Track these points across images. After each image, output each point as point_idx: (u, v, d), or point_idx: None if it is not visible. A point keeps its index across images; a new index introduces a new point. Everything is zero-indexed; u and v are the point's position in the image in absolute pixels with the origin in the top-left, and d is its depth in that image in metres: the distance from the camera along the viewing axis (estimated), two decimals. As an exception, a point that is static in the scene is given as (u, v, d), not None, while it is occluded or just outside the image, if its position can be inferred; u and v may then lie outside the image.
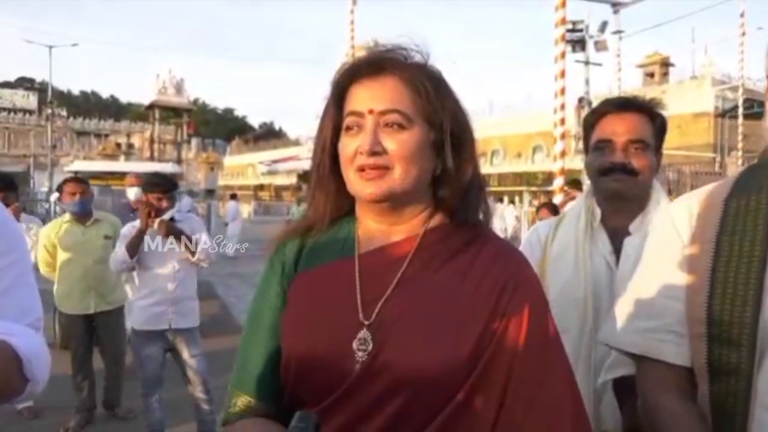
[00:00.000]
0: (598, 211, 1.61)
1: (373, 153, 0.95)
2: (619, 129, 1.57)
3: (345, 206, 1.06)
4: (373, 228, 1.03)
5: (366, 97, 0.98)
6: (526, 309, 0.95)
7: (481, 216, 1.05)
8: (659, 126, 1.62)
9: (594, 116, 1.65)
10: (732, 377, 0.99)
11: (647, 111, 1.61)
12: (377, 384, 0.91)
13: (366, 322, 0.95)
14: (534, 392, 0.92)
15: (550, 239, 1.66)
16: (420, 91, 0.98)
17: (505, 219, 10.77)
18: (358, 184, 0.97)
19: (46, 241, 4.48)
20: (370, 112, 0.96)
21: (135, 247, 3.74)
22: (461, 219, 1.02)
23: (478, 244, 1.01)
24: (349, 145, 0.98)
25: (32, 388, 1.05)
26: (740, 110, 22.25)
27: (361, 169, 0.96)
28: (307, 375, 0.95)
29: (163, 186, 3.96)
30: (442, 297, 0.95)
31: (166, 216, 3.86)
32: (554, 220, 1.77)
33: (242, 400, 0.99)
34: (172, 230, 3.78)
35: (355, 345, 0.94)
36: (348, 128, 0.99)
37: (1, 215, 1.14)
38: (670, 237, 1.13)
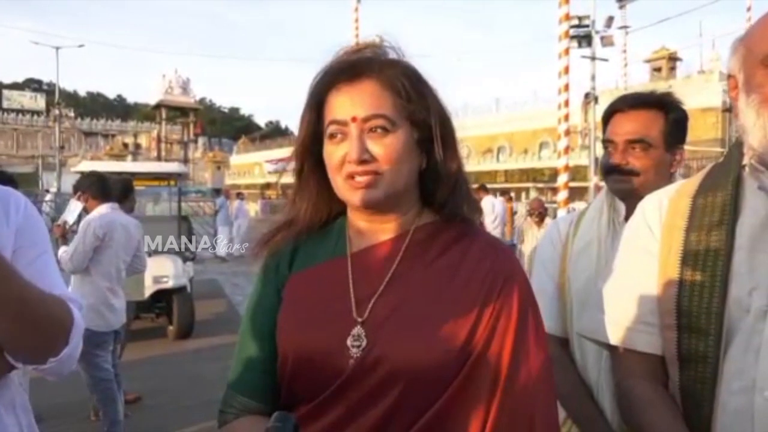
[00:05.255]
0: (621, 207, 1.59)
1: (361, 161, 0.95)
2: (620, 129, 1.56)
3: (327, 209, 1.08)
4: (363, 228, 1.04)
5: (347, 104, 0.97)
6: (515, 302, 0.97)
7: (467, 211, 1.06)
8: (673, 121, 1.56)
9: (606, 114, 1.64)
10: (700, 364, 1.04)
11: (658, 106, 1.56)
12: (371, 379, 0.93)
13: (359, 319, 0.97)
14: (525, 382, 0.94)
15: (571, 235, 1.65)
16: (400, 92, 0.98)
17: (495, 208, 10.69)
18: (347, 191, 0.98)
19: None
20: (353, 119, 0.96)
21: None
22: (449, 215, 1.04)
23: (467, 239, 1.03)
24: (334, 153, 0.98)
25: (70, 352, 1.11)
26: (748, 104, 22.02)
27: (351, 177, 0.97)
28: (302, 372, 0.97)
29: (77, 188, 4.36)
30: (433, 292, 0.97)
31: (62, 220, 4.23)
32: (574, 215, 1.75)
33: (239, 401, 1.01)
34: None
35: (349, 341, 0.95)
36: (331, 136, 0.99)
37: (28, 210, 1.20)
38: (641, 232, 1.17)
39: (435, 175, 1.02)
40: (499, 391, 0.93)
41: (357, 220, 1.05)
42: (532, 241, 7.77)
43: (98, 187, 4.24)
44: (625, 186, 1.55)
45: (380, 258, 1.02)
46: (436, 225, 1.04)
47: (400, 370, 0.92)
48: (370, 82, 0.98)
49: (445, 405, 0.92)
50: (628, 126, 1.55)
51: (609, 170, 1.57)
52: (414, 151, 1.00)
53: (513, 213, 14.39)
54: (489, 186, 13.02)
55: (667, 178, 1.55)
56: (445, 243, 1.02)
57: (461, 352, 0.93)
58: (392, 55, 1.02)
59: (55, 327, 1.09)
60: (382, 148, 0.96)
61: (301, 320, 1.00)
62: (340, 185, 0.99)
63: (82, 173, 7.39)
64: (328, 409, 0.95)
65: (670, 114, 1.57)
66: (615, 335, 1.17)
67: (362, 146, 0.95)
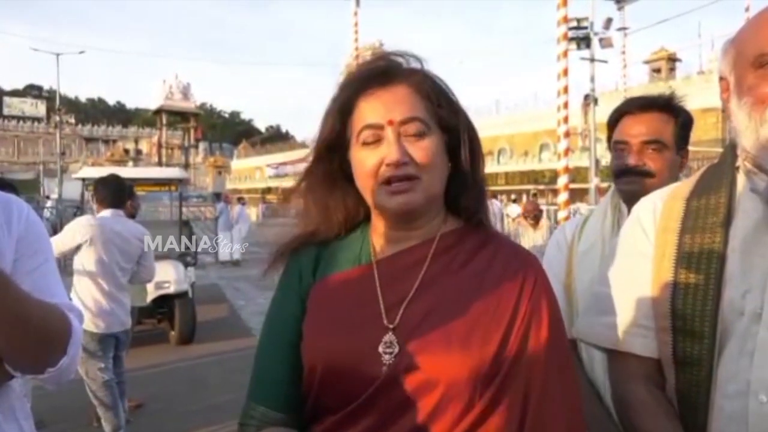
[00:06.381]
0: (625, 209, 1.60)
1: (401, 164, 0.94)
2: (634, 130, 1.57)
3: (345, 218, 1.06)
4: (388, 234, 1.03)
5: (381, 109, 0.96)
6: (545, 307, 0.96)
7: (486, 217, 1.06)
8: (682, 123, 1.59)
9: (615, 116, 1.65)
10: (695, 367, 1.04)
11: (668, 109, 1.59)
12: (404, 386, 0.91)
13: (391, 326, 0.95)
14: (558, 385, 0.93)
15: (576, 238, 1.67)
16: (431, 97, 0.98)
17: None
18: (386, 198, 0.96)
19: None
20: (390, 123, 0.95)
21: None
22: (475, 221, 1.03)
23: (493, 245, 1.02)
24: (368, 159, 0.96)
25: (68, 362, 1.11)
26: (748, 104, 21.95)
27: (388, 182, 0.95)
28: (332, 381, 0.95)
29: None
30: (463, 298, 0.96)
31: None
32: (581, 219, 1.77)
33: (260, 411, 0.98)
34: None
35: (381, 348, 0.93)
36: (365, 141, 0.97)
37: (30, 218, 1.19)
38: (636, 234, 1.17)
39: (461, 181, 1.02)
40: (534, 395, 0.92)
41: (382, 226, 1.03)
42: (528, 243, 7.77)
43: (99, 192, 4.26)
44: (640, 187, 1.53)
45: (407, 264, 1.00)
46: (461, 231, 1.03)
47: (435, 377, 0.91)
48: (402, 87, 0.98)
49: (482, 412, 0.90)
50: (641, 128, 1.56)
51: (624, 171, 1.57)
52: (444, 156, 1.00)
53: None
54: (491, 188, 13.00)
55: (676, 180, 1.56)
56: (471, 249, 1.01)
57: (495, 357, 0.92)
58: (415, 64, 1.01)
59: (53, 338, 1.09)
60: (420, 150, 0.95)
61: (329, 328, 0.98)
62: (374, 191, 0.97)
63: (83, 179, 7.46)
64: (358, 419, 0.93)
65: (679, 117, 1.60)
66: (611, 339, 1.16)
67: (402, 149, 0.94)
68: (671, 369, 1.08)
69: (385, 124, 0.95)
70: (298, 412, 0.99)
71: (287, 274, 1.07)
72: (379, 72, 0.99)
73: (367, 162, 0.96)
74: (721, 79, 1.10)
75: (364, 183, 0.98)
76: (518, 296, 0.96)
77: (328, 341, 0.97)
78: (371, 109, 0.97)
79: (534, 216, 8.11)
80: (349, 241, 1.06)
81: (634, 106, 1.61)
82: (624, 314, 1.15)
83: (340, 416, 0.94)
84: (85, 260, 4.04)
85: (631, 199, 1.58)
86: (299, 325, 1.01)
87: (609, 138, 1.68)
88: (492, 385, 0.91)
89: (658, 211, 1.15)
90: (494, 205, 11.16)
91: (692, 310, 1.04)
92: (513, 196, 21.86)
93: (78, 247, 4.02)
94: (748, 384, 0.98)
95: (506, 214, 13.30)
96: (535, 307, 0.96)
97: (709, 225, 1.07)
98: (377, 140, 0.96)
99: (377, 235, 1.04)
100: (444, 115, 0.99)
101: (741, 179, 1.09)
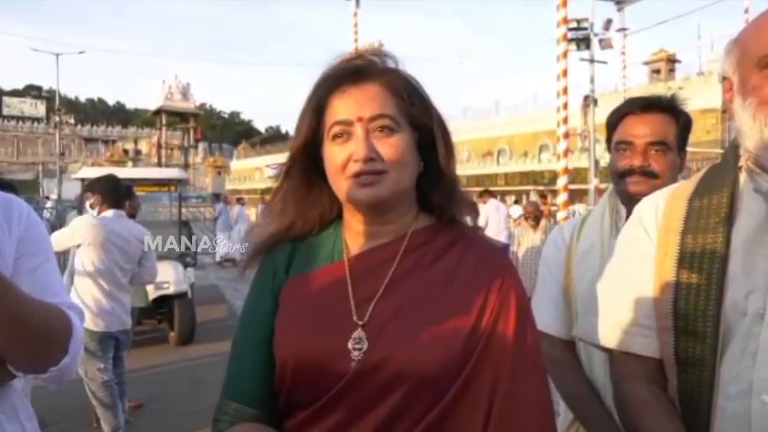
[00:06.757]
0: (623, 210, 1.60)
1: (368, 159, 0.96)
2: (639, 131, 1.56)
3: (320, 215, 1.08)
4: (360, 231, 1.04)
5: (352, 106, 0.99)
6: (513, 303, 0.98)
7: (462, 214, 1.07)
8: (683, 125, 1.59)
9: (616, 116, 1.64)
10: (697, 368, 1.04)
11: (670, 110, 1.58)
12: (373, 381, 0.93)
13: (360, 323, 0.97)
14: (524, 380, 0.94)
15: (575, 238, 1.67)
16: (402, 95, 1.00)
17: (499, 211, 10.38)
18: (353, 191, 0.98)
19: None
20: (359, 119, 0.97)
21: None
22: (447, 218, 1.05)
23: (464, 242, 1.04)
24: (338, 154, 0.98)
25: (70, 361, 1.12)
26: (747, 105, 21.93)
27: (356, 176, 0.97)
28: (303, 377, 0.97)
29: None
30: (433, 294, 0.98)
31: None
32: (578, 219, 1.77)
33: (233, 408, 1.00)
34: None
35: (350, 345, 0.95)
36: (335, 137, 0.99)
37: (31, 218, 1.20)
38: (638, 234, 1.17)
39: (432, 178, 1.04)
40: (500, 390, 0.93)
41: (354, 222, 1.05)
42: (528, 244, 7.75)
43: (99, 193, 4.27)
44: (644, 188, 1.52)
45: (378, 261, 1.02)
46: (433, 228, 1.05)
47: (402, 372, 0.92)
48: (373, 85, 1.00)
49: (448, 406, 0.92)
50: (646, 128, 1.55)
51: (627, 172, 1.56)
52: (414, 153, 1.02)
53: (551, 215, 13.73)
54: (490, 189, 13.00)
55: (675, 182, 1.54)
56: (442, 246, 1.03)
57: (463, 352, 0.94)
58: (390, 63, 1.04)
59: (54, 337, 1.09)
60: (388, 147, 0.97)
61: (300, 324, 1.00)
62: (343, 186, 0.99)
63: (82, 180, 7.46)
64: (328, 413, 0.95)
65: (680, 118, 1.59)
66: (612, 338, 1.16)
67: (369, 145, 0.96)
68: (673, 369, 1.08)
69: (354, 121, 0.98)
70: (271, 408, 1.00)
71: (261, 272, 1.09)
72: (352, 70, 1.01)
73: (336, 157, 0.99)
74: (724, 78, 1.10)
75: (334, 178, 1.00)
76: (487, 292, 0.98)
77: (298, 337, 0.98)
78: (342, 106, 0.99)
79: (534, 217, 8.10)
80: (322, 239, 1.08)
81: (636, 107, 1.60)
82: (625, 314, 1.14)
83: (310, 411, 0.96)
84: (85, 260, 4.05)
85: (633, 200, 1.57)
86: (272, 322, 1.02)
87: (608, 139, 1.67)
88: (459, 379, 0.93)
89: (660, 211, 1.15)
90: (499, 206, 11.07)
91: (694, 310, 1.04)
92: (514, 197, 21.82)
93: (77, 247, 4.03)
94: (751, 385, 0.98)
95: (508, 214, 13.27)
96: (504, 301, 0.97)
97: (711, 225, 1.07)
98: (347, 136, 0.98)
99: (349, 232, 1.06)
100: (416, 114, 1.01)
101: (743, 179, 1.09)
